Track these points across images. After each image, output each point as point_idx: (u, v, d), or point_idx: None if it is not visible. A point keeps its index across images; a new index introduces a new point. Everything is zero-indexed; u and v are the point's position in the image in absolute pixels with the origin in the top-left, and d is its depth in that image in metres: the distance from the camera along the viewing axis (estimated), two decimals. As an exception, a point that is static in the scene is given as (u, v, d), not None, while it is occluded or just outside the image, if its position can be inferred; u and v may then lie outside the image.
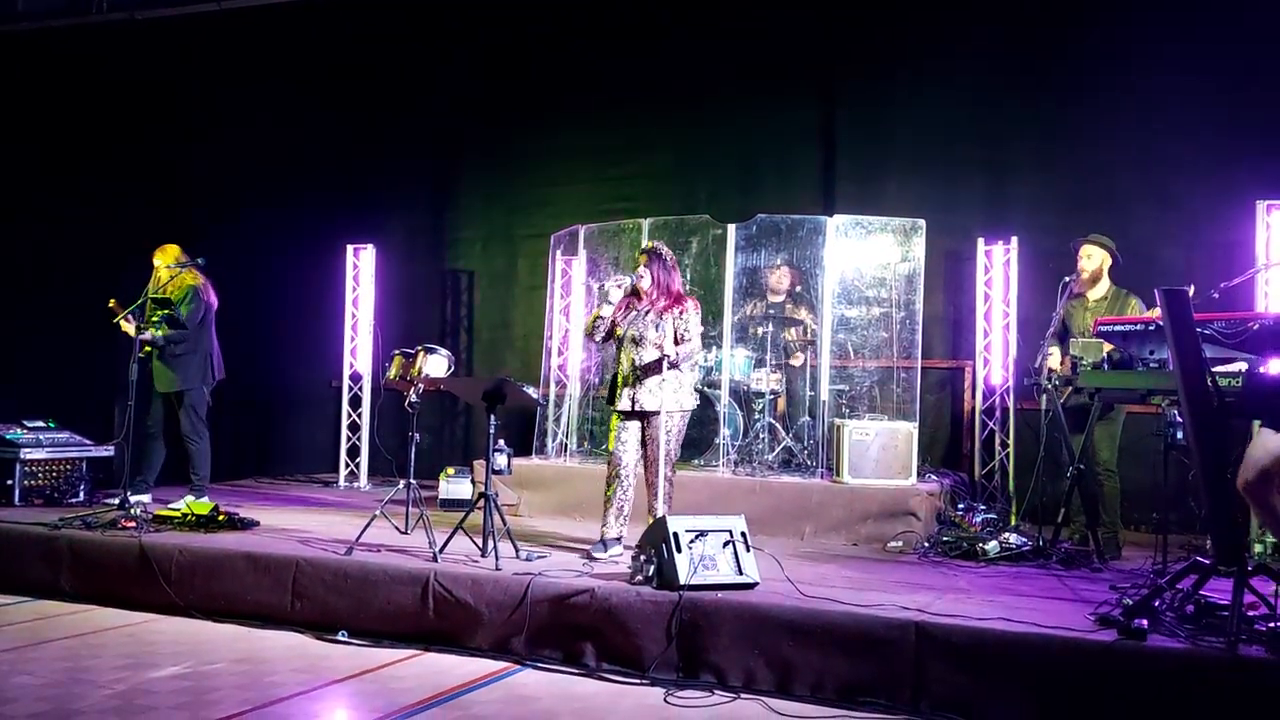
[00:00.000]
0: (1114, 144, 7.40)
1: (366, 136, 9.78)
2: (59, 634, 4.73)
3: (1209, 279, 4.85)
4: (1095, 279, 5.81)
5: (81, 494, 6.74)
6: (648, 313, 5.35)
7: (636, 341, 5.33)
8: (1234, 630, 3.53)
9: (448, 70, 9.68)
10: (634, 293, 5.44)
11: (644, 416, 5.33)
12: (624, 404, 5.31)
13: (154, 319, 6.48)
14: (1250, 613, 3.74)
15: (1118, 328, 4.52)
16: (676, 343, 5.26)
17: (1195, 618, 3.80)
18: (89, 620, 5.01)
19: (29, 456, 6.64)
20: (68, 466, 6.84)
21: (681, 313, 5.30)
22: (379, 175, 9.87)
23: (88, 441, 7.01)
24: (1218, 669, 3.48)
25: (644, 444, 5.37)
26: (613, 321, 5.44)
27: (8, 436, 6.67)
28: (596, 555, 5.22)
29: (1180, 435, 4.90)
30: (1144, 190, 7.23)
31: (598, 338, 5.47)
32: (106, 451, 7.00)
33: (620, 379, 5.38)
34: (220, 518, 5.85)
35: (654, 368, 5.22)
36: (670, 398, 5.25)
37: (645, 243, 5.63)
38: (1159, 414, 5.11)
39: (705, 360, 7.34)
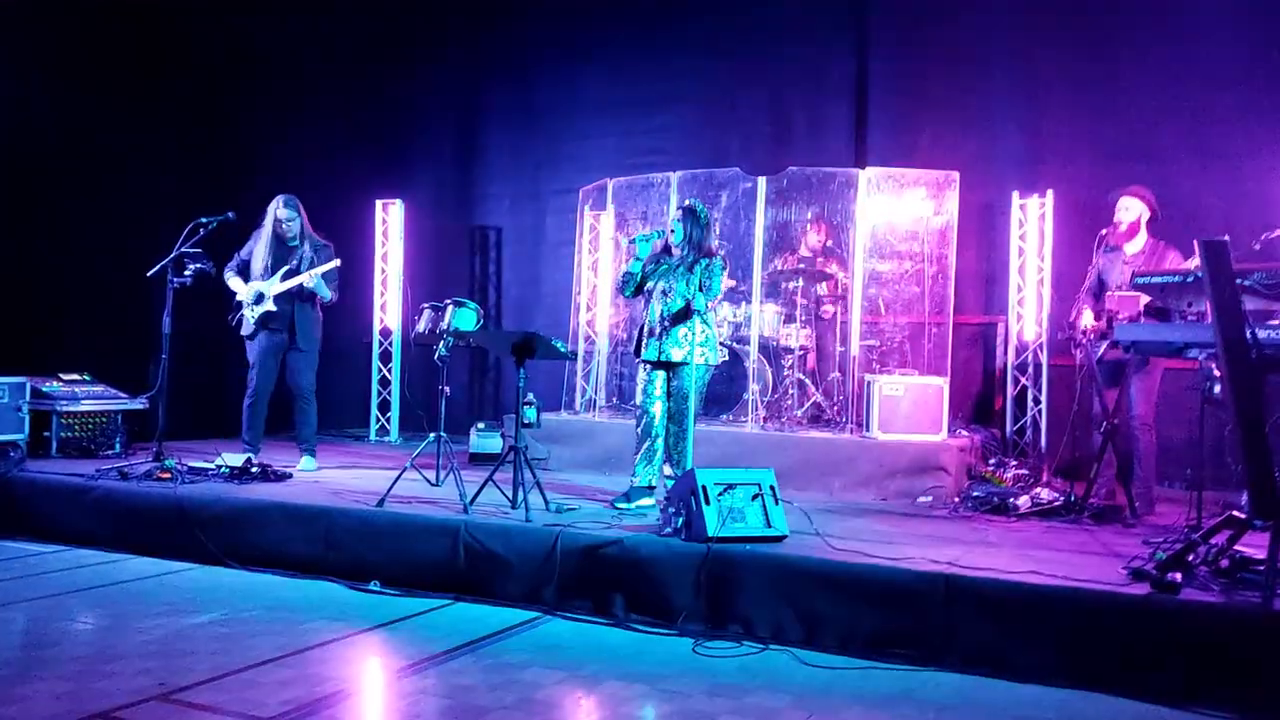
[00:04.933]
0: (1152, 94, 7.21)
1: (393, 91, 9.73)
2: (97, 582, 4.82)
3: (1249, 231, 4.74)
4: (1133, 232, 5.68)
5: (117, 446, 6.84)
6: (678, 266, 5.37)
7: (666, 294, 5.36)
8: (1270, 584, 3.49)
9: (474, 23, 9.58)
10: (665, 248, 5.49)
11: (670, 367, 5.35)
12: (650, 354, 5.34)
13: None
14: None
15: (1155, 279, 4.44)
16: (700, 290, 5.26)
17: (1230, 572, 3.76)
18: (126, 569, 5.10)
19: (65, 409, 6.75)
20: (103, 419, 6.95)
21: (709, 265, 5.30)
22: (406, 130, 9.84)
23: (123, 394, 7.10)
24: (1253, 623, 3.45)
25: (669, 395, 5.39)
26: (642, 275, 5.47)
27: (44, 389, 6.77)
28: (620, 506, 5.26)
29: (1217, 389, 4.81)
30: (1182, 141, 7.05)
31: (627, 292, 5.52)
32: (141, 404, 7.08)
33: (648, 330, 5.41)
34: (253, 469, 5.94)
35: (680, 316, 5.25)
36: (696, 350, 5.25)
37: (683, 200, 5.61)
38: (1196, 368, 5.02)
39: (734, 316, 7.32)
